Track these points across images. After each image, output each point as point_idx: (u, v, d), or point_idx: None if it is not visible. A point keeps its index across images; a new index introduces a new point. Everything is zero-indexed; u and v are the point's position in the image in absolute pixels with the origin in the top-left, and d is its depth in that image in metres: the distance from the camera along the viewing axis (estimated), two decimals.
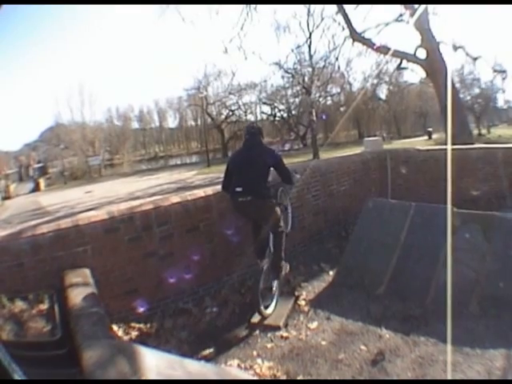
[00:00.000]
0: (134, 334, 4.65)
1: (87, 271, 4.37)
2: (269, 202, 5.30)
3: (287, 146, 45.63)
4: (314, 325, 4.90)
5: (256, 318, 5.05)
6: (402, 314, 4.89)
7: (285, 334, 4.77)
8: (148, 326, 4.83)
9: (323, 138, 43.66)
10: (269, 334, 4.80)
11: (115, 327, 4.36)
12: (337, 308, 5.23)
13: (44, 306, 3.69)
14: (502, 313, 4.52)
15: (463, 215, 5.63)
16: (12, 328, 3.26)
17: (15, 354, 1.88)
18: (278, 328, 4.89)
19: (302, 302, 5.45)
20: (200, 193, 6.05)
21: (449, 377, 3.60)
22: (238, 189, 5.16)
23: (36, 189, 33.98)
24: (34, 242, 4.46)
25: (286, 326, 4.97)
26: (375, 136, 17.07)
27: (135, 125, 51.01)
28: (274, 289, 5.40)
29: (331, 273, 6.28)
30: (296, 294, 5.66)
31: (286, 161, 5.58)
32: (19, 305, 3.65)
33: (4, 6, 2.20)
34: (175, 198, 5.81)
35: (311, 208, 7.51)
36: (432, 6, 19.69)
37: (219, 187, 5.83)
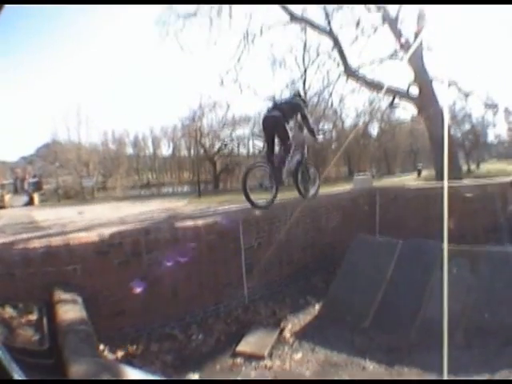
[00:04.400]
0: (120, 354, 4.63)
1: (76, 289, 4.38)
2: None
3: None
4: (298, 356, 4.94)
5: (241, 347, 5.08)
6: (386, 346, 4.96)
7: (269, 364, 4.79)
8: (134, 347, 4.83)
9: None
10: (253, 363, 4.81)
11: (102, 346, 4.36)
12: (322, 340, 5.26)
13: (33, 317, 3.71)
14: (486, 342, 4.63)
15: (451, 250, 5.58)
16: (2, 331, 3.30)
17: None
18: (262, 357, 4.91)
19: (287, 334, 5.49)
20: (189, 223, 6.16)
21: None
22: None
23: (30, 203, 33.74)
24: (25, 255, 4.51)
25: (270, 355, 4.98)
26: (365, 172, 17.20)
27: (130, 150, 51.29)
28: None
29: (317, 306, 6.33)
30: (281, 325, 5.69)
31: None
32: (9, 311, 3.70)
33: (6, 10, 2.15)
34: (164, 227, 5.94)
35: (300, 243, 7.59)
36: (426, 41, 19.91)
37: (209, 219, 6.03)
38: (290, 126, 7.31)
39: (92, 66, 55.21)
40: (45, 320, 3.61)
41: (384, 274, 6.10)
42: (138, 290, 5.15)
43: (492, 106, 39.20)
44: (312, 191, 8.07)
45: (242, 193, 6.95)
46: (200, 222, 6.21)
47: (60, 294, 4.12)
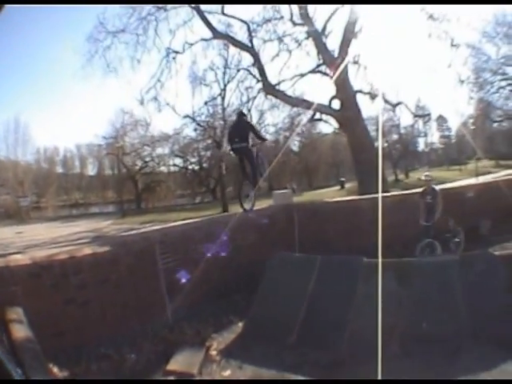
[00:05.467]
0: (66, 373, 4.79)
1: (20, 310, 4.58)
2: None
3: (198, 199, 45.63)
4: (226, 373, 5.24)
5: (171, 366, 5.33)
6: (316, 360, 5.20)
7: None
8: (77, 367, 4.98)
9: (233, 190, 44.18)
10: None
11: (51, 364, 4.48)
12: (248, 357, 5.51)
13: None
14: (427, 350, 4.91)
15: (375, 264, 5.81)
16: None
17: None
18: (192, 375, 5.17)
19: (214, 352, 5.76)
20: (108, 246, 6.54)
21: None
22: None
23: None
24: None
25: (200, 373, 5.26)
26: (285, 188, 17.43)
27: (60, 169, 49.65)
28: None
29: (240, 324, 6.59)
30: (207, 344, 5.94)
31: (195, 214, 6.13)
32: None
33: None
34: (87, 250, 6.25)
35: (218, 262, 7.76)
36: (352, 54, 20.51)
37: (128, 241, 6.62)
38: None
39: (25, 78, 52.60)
40: (4, 338, 3.75)
41: (305, 290, 6.29)
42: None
43: (422, 116, 40.89)
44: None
45: (238, 202, 8.83)
46: (118, 245, 6.62)
47: (10, 315, 4.33)
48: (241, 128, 9.09)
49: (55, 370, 4.64)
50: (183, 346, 5.81)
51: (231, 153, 10.00)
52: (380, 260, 5.67)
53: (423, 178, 9.71)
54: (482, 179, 21.16)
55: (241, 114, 9.98)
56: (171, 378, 5.17)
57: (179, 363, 5.43)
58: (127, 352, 5.58)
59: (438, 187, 9.53)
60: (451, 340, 5.08)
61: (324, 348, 5.45)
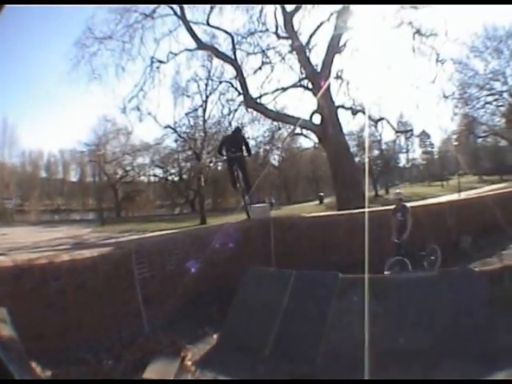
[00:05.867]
0: (49, 373, 4.85)
1: (4, 310, 4.59)
2: None
3: (177, 210, 45.51)
4: None
5: (147, 374, 5.39)
6: (291, 373, 5.23)
7: None
8: (58, 370, 5.03)
9: (212, 203, 44.17)
10: None
11: (34, 364, 4.56)
12: (223, 369, 5.59)
13: None
14: (407, 365, 4.89)
15: (350, 279, 6.11)
16: None
17: None
18: None
19: (189, 363, 5.81)
20: (87, 253, 6.63)
21: None
22: None
23: None
24: None
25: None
26: (264, 202, 17.49)
27: (43, 173, 49.32)
28: None
29: (215, 336, 6.67)
30: (182, 354, 5.96)
31: (172, 225, 6.25)
32: None
33: None
34: (66, 256, 6.37)
35: (193, 274, 7.83)
36: (336, 69, 20.77)
37: (106, 249, 6.69)
38: None
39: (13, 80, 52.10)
40: None
41: (279, 305, 6.34)
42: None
43: (404, 132, 41.01)
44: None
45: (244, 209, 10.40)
46: (96, 253, 6.69)
47: None
48: (238, 140, 10.76)
49: (38, 370, 4.70)
50: (159, 356, 5.84)
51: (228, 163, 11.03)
52: (354, 276, 6.05)
53: (393, 196, 9.84)
54: (464, 195, 21.32)
55: (238, 129, 12.76)
56: None
57: (155, 372, 5.49)
58: (104, 358, 5.64)
59: (408, 205, 9.64)
60: (428, 355, 5.09)
61: (298, 361, 5.48)
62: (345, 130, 22.50)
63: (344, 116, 24.45)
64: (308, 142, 37.35)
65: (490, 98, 35.10)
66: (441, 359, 5.00)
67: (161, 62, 23.57)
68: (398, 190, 11.86)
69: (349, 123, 34.66)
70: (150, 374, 5.47)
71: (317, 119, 21.19)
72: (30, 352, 4.50)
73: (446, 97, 26.36)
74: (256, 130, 38.70)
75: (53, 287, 5.81)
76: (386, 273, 8.47)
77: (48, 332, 5.47)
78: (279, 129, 34.68)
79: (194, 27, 21.72)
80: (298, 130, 26.02)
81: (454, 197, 19.45)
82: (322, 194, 41.59)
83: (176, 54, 23.42)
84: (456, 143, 40.43)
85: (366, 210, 9.36)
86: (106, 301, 6.39)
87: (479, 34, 29.84)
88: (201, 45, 22.33)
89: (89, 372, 5.28)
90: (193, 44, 22.50)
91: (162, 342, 6.29)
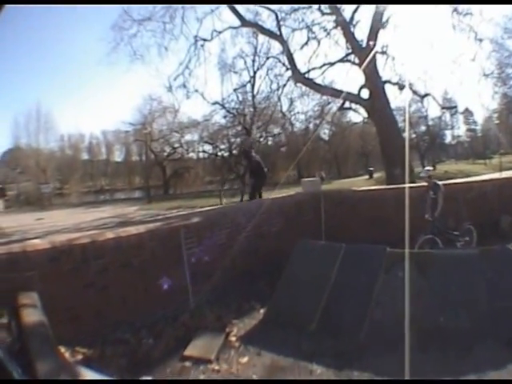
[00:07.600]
0: (79, 357, 4.79)
1: (35, 295, 4.55)
2: None
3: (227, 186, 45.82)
4: (244, 359, 5.15)
5: (189, 351, 5.29)
6: (334, 349, 5.09)
7: (216, 367, 5.01)
8: (91, 351, 4.98)
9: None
10: (201, 367, 5.02)
11: (63, 349, 4.49)
12: (267, 344, 5.43)
13: (4, 321, 3.91)
14: (444, 346, 4.77)
15: (397, 254, 5.85)
16: None
17: None
18: (209, 361, 5.12)
19: (233, 338, 5.70)
20: (132, 230, 6.42)
21: None
22: None
23: None
24: None
25: (217, 359, 5.19)
26: (314, 176, 17.25)
27: (85, 155, 50.60)
28: None
29: (262, 311, 6.53)
30: (227, 330, 5.89)
31: (223, 200, 6.03)
32: None
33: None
34: (110, 234, 6.18)
35: (243, 248, 7.71)
36: (380, 44, 20.41)
37: (153, 225, 6.42)
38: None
39: (48, 67, 53.30)
40: (13, 323, 3.79)
41: (328, 279, 6.20)
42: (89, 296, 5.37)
43: (449, 108, 40.22)
44: None
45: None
46: (143, 229, 6.49)
47: (22, 300, 4.30)
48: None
49: (67, 354, 4.62)
50: (203, 331, 5.77)
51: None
52: (400, 250, 5.70)
53: (422, 174, 9.30)
54: (505, 174, 20.45)
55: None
56: (188, 363, 5.10)
57: (197, 348, 5.39)
58: (145, 337, 5.55)
59: (440, 182, 9.15)
60: (467, 337, 4.93)
61: (342, 336, 5.37)
62: (392, 106, 21.73)
63: (391, 91, 24.51)
64: (357, 116, 37.30)
65: None
66: (475, 342, 4.84)
67: (205, 40, 23.11)
68: (426, 168, 11.57)
69: (396, 98, 33.99)
70: (191, 350, 5.36)
71: (365, 94, 20.71)
72: (64, 335, 4.44)
73: (486, 75, 25.00)
74: (305, 105, 38.66)
75: (93, 266, 5.63)
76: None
77: (85, 313, 5.33)
78: (328, 103, 34.57)
79: (236, 5, 21.12)
80: (347, 105, 25.80)
81: (496, 176, 18.65)
82: (371, 168, 41.18)
83: (220, 32, 22.99)
84: (497, 122, 39.02)
85: (407, 185, 8.88)
86: (150, 278, 6.23)
87: (510, 16, 28.00)
88: (245, 22, 21.88)
89: (125, 351, 5.18)
90: (236, 22, 22.10)
91: (207, 317, 6.22)
